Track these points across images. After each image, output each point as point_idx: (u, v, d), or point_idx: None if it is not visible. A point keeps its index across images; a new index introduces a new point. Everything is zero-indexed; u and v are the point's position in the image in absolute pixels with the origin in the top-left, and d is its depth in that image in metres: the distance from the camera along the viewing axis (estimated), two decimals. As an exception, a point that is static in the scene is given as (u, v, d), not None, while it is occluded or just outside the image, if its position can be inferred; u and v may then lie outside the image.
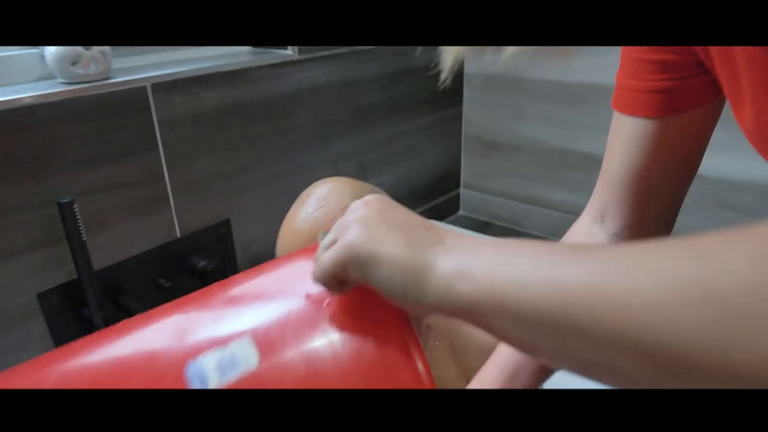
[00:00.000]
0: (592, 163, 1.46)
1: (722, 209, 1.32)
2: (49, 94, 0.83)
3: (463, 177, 1.73)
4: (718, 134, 1.15)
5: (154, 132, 0.97)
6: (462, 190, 1.75)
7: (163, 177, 1.00)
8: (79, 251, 0.85)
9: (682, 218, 1.36)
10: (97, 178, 0.91)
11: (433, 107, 1.57)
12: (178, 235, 1.05)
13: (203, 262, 1.06)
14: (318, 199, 0.70)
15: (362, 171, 1.40)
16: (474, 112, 1.64)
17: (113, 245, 0.96)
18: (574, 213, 1.53)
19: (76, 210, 0.83)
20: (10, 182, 0.82)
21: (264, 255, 1.23)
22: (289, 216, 0.73)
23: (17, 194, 0.83)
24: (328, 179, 0.74)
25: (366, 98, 1.36)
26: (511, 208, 1.66)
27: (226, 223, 1.13)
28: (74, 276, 0.92)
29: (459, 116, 1.67)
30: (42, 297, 0.89)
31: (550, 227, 1.60)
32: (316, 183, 0.74)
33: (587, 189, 1.55)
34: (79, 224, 0.84)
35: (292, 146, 1.21)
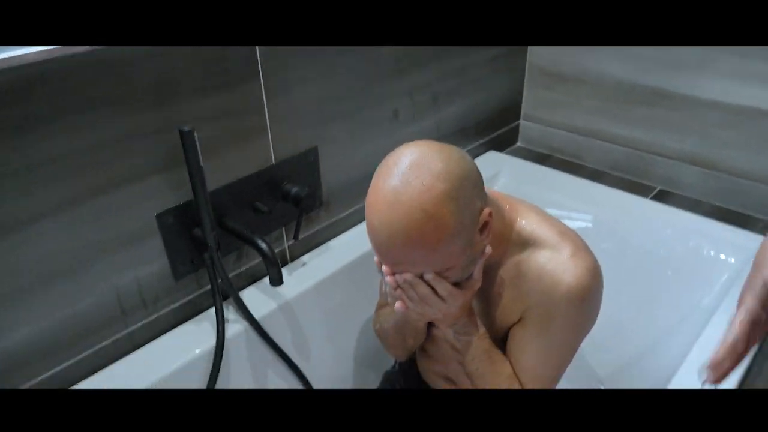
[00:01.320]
0: (658, 98, 1.46)
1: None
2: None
3: (524, 108, 1.74)
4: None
5: (257, 62, 1.00)
6: (522, 122, 1.76)
7: (263, 106, 1.04)
8: (197, 175, 0.91)
9: (742, 155, 1.36)
10: (205, 107, 0.96)
11: (502, 38, 1.56)
12: (273, 162, 1.10)
13: (296, 188, 1.12)
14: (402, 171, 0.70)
15: (434, 101, 1.42)
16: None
17: (217, 171, 1.01)
18: (636, 148, 1.55)
19: (196, 138, 0.88)
20: (130, 113, 0.87)
21: (347, 182, 1.28)
22: (374, 186, 0.72)
23: (138, 123, 0.89)
24: (410, 145, 0.73)
25: (441, 29, 1.36)
26: (570, 141, 1.67)
27: (314, 150, 1.17)
28: (186, 198, 0.99)
29: (524, 48, 1.65)
30: (160, 217, 0.96)
31: (609, 161, 1.62)
32: (399, 149, 0.73)
33: (651, 124, 1.56)
34: (198, 151, 0.89)
35: (373, 78, 1.24)
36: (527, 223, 0.85)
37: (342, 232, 1.33)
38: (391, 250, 0.71)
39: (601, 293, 0.84)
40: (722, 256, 1.29)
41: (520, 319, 0.88)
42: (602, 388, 1.39)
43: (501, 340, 0.92)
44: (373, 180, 0.73)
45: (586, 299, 0.81)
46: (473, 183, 0.73)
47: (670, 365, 1.01)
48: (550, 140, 1.72)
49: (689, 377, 0.94)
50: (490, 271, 0.87)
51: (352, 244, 1.29)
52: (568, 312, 0.81)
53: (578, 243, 0.84)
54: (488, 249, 0.79)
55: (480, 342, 0.88)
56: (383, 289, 1.03)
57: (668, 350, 1.25)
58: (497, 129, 1.70)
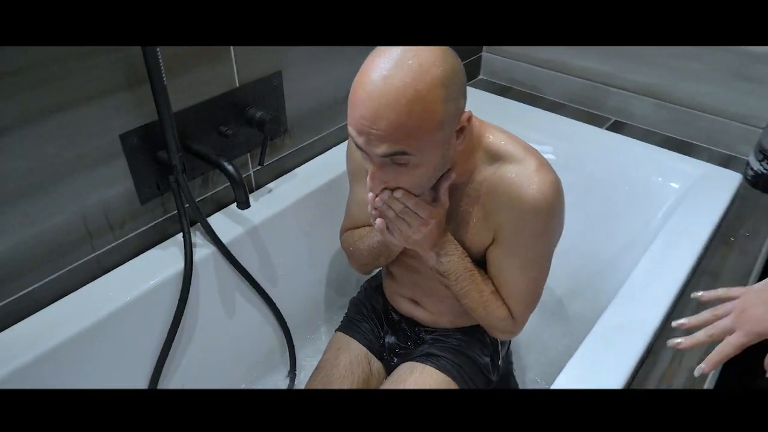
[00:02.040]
0: (617, 30, 1.49)
1: (740, 79, 1.38)
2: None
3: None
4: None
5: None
6: (484, 53, 1.77)
7: (226, 27, 1.02)
8: (161, 94, 0.90)
9: (695, 86, 1.41)
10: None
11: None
12: (237, 85, 1.09)
13: (260, 112, 1.11)
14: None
15: (397, 30, 1.41)
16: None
17: (181, 92, 1.00)
18: (593, 80, 1.58)
19: (158, 53, 0.86)
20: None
21: (311, 109, 1.28)
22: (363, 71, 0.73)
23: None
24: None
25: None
26: (531, 73, 1.70)
27: (278, 75, 1.16)
28: (150, 120, 0.97)
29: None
30: (123, 138, 0.95)
31: (568, 93, 1.66)
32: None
33: (608, 56, 1.58)
34: (162, 69, 0.88)
35: None
36: (494, 140, 0.88)
37: (307, 160, 1.33)
38: (375, 123, 0.71)
39: (563, 205, 0.88)
40: (668, 183, 1.36)
41: (493, 240, 0.92)
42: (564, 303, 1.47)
43: (477, 263, 0.95)
44: (364, 64, 0.73)
45: (551, 210, 0.85)
46: (461, 81, 0.75)
47: (623, 278, 1.08)
48: (511, 72, 1.74)
49: (635, 290, 1.02)
50: (458, 190, 0.90)
51: (317, 172, 1.30)
52: (535, 223, 0.86)
53: (541, 159, 0.87)
54: (452, 174, 0.82)
55: (461, 261, 0.91)
56: (353, 210, 1.06)
57: (621, 267, 1.32)
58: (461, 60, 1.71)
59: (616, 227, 1.39)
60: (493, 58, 1.76)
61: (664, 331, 0.99)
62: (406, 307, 1.14)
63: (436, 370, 1.04)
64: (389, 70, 0.70)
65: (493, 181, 0.87)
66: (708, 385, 0.92)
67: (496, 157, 0.87)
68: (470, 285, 0.93)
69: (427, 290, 1.08)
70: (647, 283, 1.03)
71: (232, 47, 1.05)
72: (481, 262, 0.96)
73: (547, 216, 0.85)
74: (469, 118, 0.78)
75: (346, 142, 1.38)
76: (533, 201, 0.84)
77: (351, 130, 0.75)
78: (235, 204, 1.17)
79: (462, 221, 0.93)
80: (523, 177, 0.84)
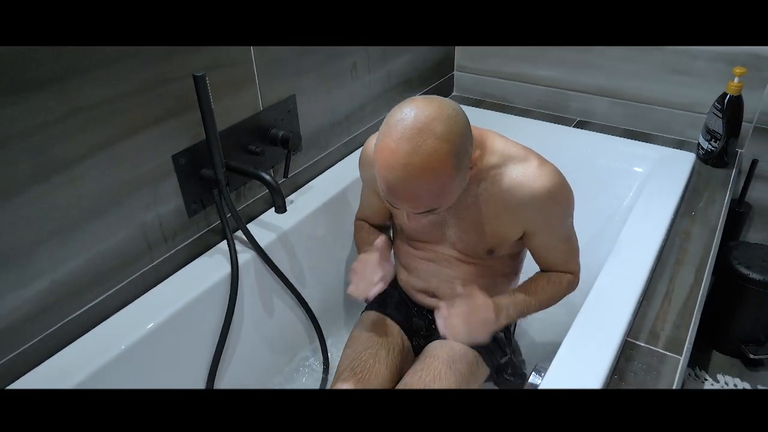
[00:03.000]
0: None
1: (678, 74, 1.60)
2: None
3: (457, 60, 1.94)
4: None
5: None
6: (456, 73, 1.96)
7: (251, 58, 1.17)
8: (209, 115, 1.03)
9: (643, 84, 1.62)
10: (204, 58, 1.07)
11: None
12: (261, 108, 1.23)
13: (282, 131, 1.25)
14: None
15: (385, 55, 1.58)
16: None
17: (218, 116, 1.13)
18: (555, 87, 1.79)
19: (207, 82, 1.00)
20: (146, 64, 0.98)
21: (320, 127, 1.42)
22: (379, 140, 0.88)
23: (153, 73, 0.99)
24: (410, 104, 0.85)
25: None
26: (500, 86, 1.89)
27: (293, 98, 1.31)
28: (194, 141, 1.10)
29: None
30: (175, 158, 1.08)
31: (534, 100, 1.85)
32: (401, 109, 0.85)
33: (567, 65, 1.79)
34: (209, 93, 1.01)
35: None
36: (495, 145, 1.02)
37: (320, 173, 1.47)
38: (406, 200, 0.88)
39: (567, 181, 1.04)
40: (633, 168, 1.55)
41: (524, 234, 1.08)
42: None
43: (487, 250, 1.10)
44: (381, 138, 0.86)
45: (562, 191, 1.02)
46: (467, 135, 0.89)
47: (602, 257, 1.24)
48: (482, 87, 1.93)
49: (618, 262, 1.17)
50: (471, 192, 1.03)
51: (329, 184, 1.44)
52: (557, 206, 1.02)
53: (537, 154, 1.03)
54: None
55: (513, 302, 1.08)
56: (364, 206, 1.25)
57: (601, 243, 1.49)
58: (436, 80, 1.89)
59: (593, 210, 1.56)
60: (464, 76, 1.95)
61: (649, 286, 1.16)
62: (422, 300, 1.23)
63: (464, 345, 1.14)
64: (405, 156, 0.83)
65: (506, 182, 1.01)
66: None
67: (500, 160, 1.01)
68: (534, 304, 1.10)
69: (442, 280, 1.17)
70: (630, 251, 1.19)
71: (256, 75, 1.19)
72: (504, 246, 1.10)
73: (563, 197, 1.02)
74: (478, 155, 0.94)
75: (352, 155, 1.54)
76: (550, 191, 0.99)
77: (386, 198, 0.91)
78: (264, 214, 1.31)
79: (480, 221, 1.06)
80: (530, 175, 0.99)
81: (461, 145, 0.87)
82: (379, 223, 1.27)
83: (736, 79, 1.42)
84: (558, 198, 1.01)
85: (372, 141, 1.12)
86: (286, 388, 1.39)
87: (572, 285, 1.16)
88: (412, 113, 0.84)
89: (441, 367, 1.09)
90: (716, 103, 1.47)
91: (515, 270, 1.21)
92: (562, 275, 1.14)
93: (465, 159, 0.89)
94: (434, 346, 1.16)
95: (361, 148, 1.18)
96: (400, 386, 1.10)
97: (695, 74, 1.56)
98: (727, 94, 1.44)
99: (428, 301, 1.22)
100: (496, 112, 1.81)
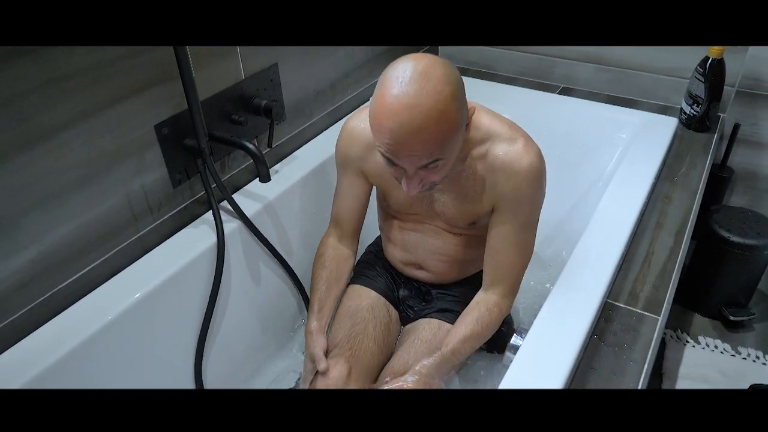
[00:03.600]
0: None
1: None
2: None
3: (442, 28, 1.93)
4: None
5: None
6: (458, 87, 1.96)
7: (233, 26, 1.16)
8: (190, 86, 1.03)
9: (626, 49, 1.59)
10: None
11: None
12: (243, 77, 1.23)
13: (265, 101, 1.25)
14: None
15: (368, 22, 1.57)
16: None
17: (198, 86, 1.12)
18: (539, 54, 1.78)
19: (188, 52, 1.00)
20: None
21: (303, 97, 1.42)
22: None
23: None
24: (407, 58, 0.84)
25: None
26: (484, 54, 1.89)
27: (275, 67, 1.30)
28: (177, 111, 1.10)
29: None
30: (157, 128, 1.08)
31: (518, 68, 1.85)
32: (399, 63, 0.84)
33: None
34: (191, 63, 1.01)
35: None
36: (483, 121, 1.03)
37: (303, 143, 1.47)
38: (410, 147, 0.85)
39: (545, 172, 1.04)
40: (616, 133, 1.57)
41: (493, 210, 1.07)
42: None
43: (470, 222, 1.11)
44: (380, 90, 0.85)
45: (541, 177, 1.02)
46: (462, 85, 0.89)
47: (587, 218, 1.26)
48: (466, 55, 1.93)
49: (599, 226, 1.18)
50: (457, 169, 1.03)
51: (314, 154, 1.44)
52: (529, 190, 1.02)
53: (525, 134, 1.03)
54: None
55: (437, 366, 1.07)
56: (339, 203, 1.20)
57: (584, 208, 1.52)
58: (419, 49, 1.88)
59: (577, 176, 1.59)
60: (448, 47, 1.95)
61: (629, 249, 1.18)
62: (409, 272, 1.25)
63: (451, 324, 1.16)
64: (410, 98, 0.81)
65: (489, 160, 1.01)
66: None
67: (486, 137, 1.02)
68: (458, 357, 1.09)
69: (428, 251, 1.19)
70: (610, 215, 1.21)
71: (238, 46, 1.18)
72: (484, 219, 1.10)
73: (537, 183, 1.02)
74: (473, 110, 0.93)
75: (337, 125, 1.54)
76: (527, 172, 1.00)
77: (383, 151, 0.88)
78: (249, 184, 1.32)
79: (463, 194, 1.07)
80: (515, 153, 1.00)
81: (461, 91, 0.87)
82: (355, 225, 1.21)
83: (717, 43, 1.43)
84: (534, 182, 1.02)
85: (352, 121, 1.12)
86: (276, 388, 1.41)
87: (505, 310, 1.12)
88: (410, 63, 0.84)
89: (424, 349, 1.13)
90: (698, 67, 1.48)
91: None
92: (492, 304, 1.10)
93: (464, 109, 0.89)
94: (422, 329, 1.19)
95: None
96: (387, 369, 1.14)
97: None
98: (709, 57, 1.45)
99: (415, 272, 1.25)
100: (481, 80, 1.81)
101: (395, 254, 1.26)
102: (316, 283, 1.18)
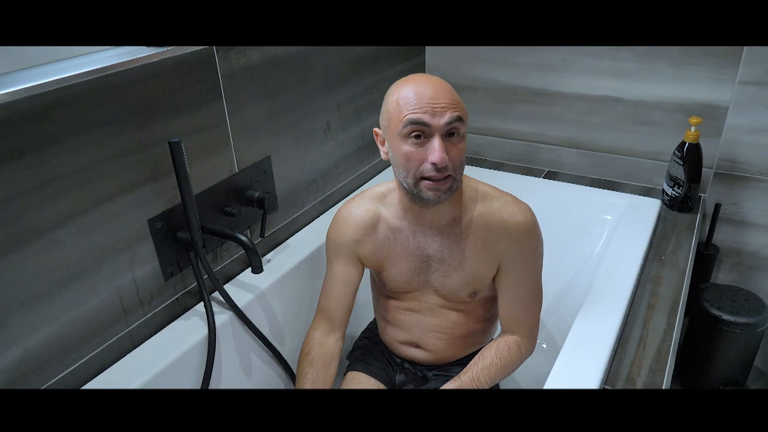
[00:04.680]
0: (537, 96, 1.77)
1: (639, 125, 1.66)
2: (140, 57, 1.00)
3: (429, 117, 1.99)
4: (633, 66, 1.52)
5: (219, 85, 1.16)
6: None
7: (226, 122, 1.20)
8: (184, 180, 1.05)
9: (607, 135, 1.66)
10: (179, 125, 1.10)
11: (406, 56, 1.81)
12: (236, 170, 1.25)
13: (258, 192, 1.28)
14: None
15: (357, 114, 1.63)
16: (436, 59, 1.90)
17: (192, 180, 1.15)
18: (525, 140, 1.84)
19: (183, 148, 1.02)
20: (122, 132, 1.00)
21: (294, 187, 1.45)
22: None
23: (129, 140, 1.02)
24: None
25: (356, 52, 1.58)
26: (471, 140, 1.95)
27: (268, 159, 1.33)
28: (170, 205, 1.11)
29: (423, 64, 1.92)
30: (151, 222, 1.09)
31: (505, 153, 1.91)
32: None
33: (535, 118, 1.85)
34: (185, 159, 1.03)
35: (309, 95, 1.43)
36: (471, 183, 1.11)
37: (295, 232, 1.49)
38: (439, 98, 0.95)
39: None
40: (602, 215, 1.60)
41: (498, 270, 1.11)
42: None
43: (471, 292, 1.12)
44: (393, 89, 1.00)
45: (537, 228, 1.10)
46: None
47: (576, 305, 1.26)
48: (453, 142, 1.99)
49: (591, 309, 1.18)
50: (453, 231, 1.08)
51: (305, 242, 1.45)
52: (531, 242, 1.08)
53: (511, 195, 1.11)
54: None
55: (464, 385, 1.10)
56: (330, 291, 1.20)
57: (575, 291, 1.52)
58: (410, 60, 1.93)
59: (566, 258, 1.60)
60: (436, 131, 2.01)
61: (623, 332, 1.17)
62: (405, 352, 1.24)
63: None
64: (424, 76, 0.99)
65: (485, 219, 1.07)
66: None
67: (476, 198, 1.09)
68: (484, 379, 1.11)
69: (426, 329, 1.19)
70: (603, 297, 1.21)
71: (231, 138, 1.22)
72: (485, 288, 1.13)
73: (535, 233, 1.09)
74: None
75: (328, 213, 1.56)
76: (524, 225, 1.07)
77: (414, 114, 0.95)
78: (241, 274, 1.32)
79: (464, 258, 1.10)
80: (508, 210, 1.07)
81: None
82: (343, 318, 1.19)
83: (692, 128, 1.48)
84: (532, 234, 1.08)
85: (346, 208, 1.17)
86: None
87: (526, 350, 1.15)
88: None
89: None
90: (676, 151, 1.53)
91: (495, 314, 1.23)
92: (511, 341, 1.13)
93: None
94: None
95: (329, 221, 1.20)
96: None
97: (655, 124, 1.63)
98: (686, 142, 1.50)
99: (412, 352, 1.24)
100: (471, 166, 1.86)
101: (391, 334, 1.25)
102: (303, 383, 1.15)
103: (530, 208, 1.10)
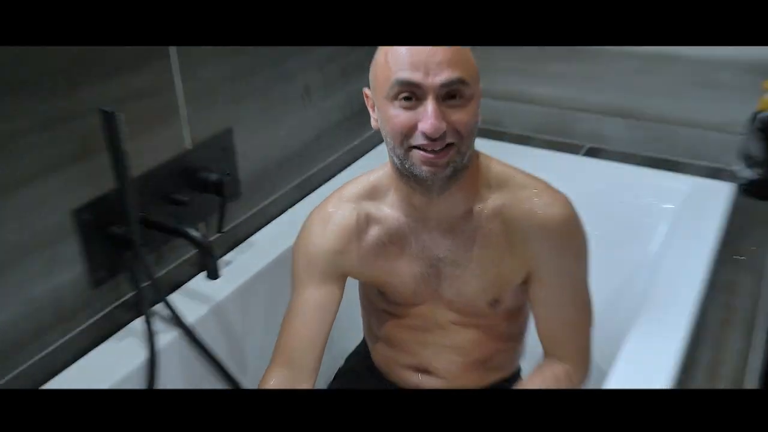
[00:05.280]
0: (573, 51, 1.73)
1: (704, 88, 1.63)
2: None
3: (435, 78, 1.95)
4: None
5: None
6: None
7: (174, 84, 1.17)
8: (121, 162, 1.02)
9: (663, 101, 1.62)
10: (117, 88, 1.07)
11: None
12: (188, 147, 1.23)
13: (215, 175, 1.25)
14: None
15: (344, 74, 1.60)
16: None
17: (133, 158, 1.10)
18: (558, 106, 1.80)
19: (120, 120, 0.99)
20: (36, 99, 0.97)
21: (263, 168, 1.42)
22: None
23: (48, 108, 0.98)
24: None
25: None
26: (488, 107, 1.90)
27: (229, 132, 1.30)
28: (101, 192, 1.08)
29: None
30: (77, 213, 1.06)
31: (532, 124, 1.87)
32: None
33: (570, 80, 1.80)
34: (122, 134, 1.00)
35: (283, 50, 1.40)
36: (492, 165, 1.07)
37: (263, 225, 1.46)
38: (434, 52, 0.91)
39: (580, 216, 1.08)
40: (660, 204, 1.57)
41: (529, 279, 1.08)
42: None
43: (491, 300, 1.10)
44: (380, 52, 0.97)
45: (576, 225, 1.06)
46: None
47: (627, 321, 1.23)
48: (466, 110, 1.95)
49: (644, 333, 1.15)
50: (468, 226, 1.05)
51: (278, 238, 1.42)
52: (570, 242, 1.05)
53: (544, 181, 1.07)
54: None
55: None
56: (298, 323, 1.13)
57: (625, 303, 1.49)
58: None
59: (612, 261, 1.56)
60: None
61: (688, 356, 1.14)
62: (409, 379, 1.21)
63: None
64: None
65: (509, 212, 1.04)
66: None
67: (499, 185, 1.05)
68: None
69: (436, 350, 1.17)
70: (661, 311, 1.19)
71: (181, 106, 1.18)
72: (509, 294, 1.10)
73: (576, 230, 1.06)
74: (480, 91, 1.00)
75: (306, 200, 1.53)
76: (561, 220, 1.03)
77: (404, 73, 0.92)
78: (192, 281, 1.30)
79: (481, 261, 1.06)
80: (540, 200, 1.04)
81: None
82: (313, 362, 1.11)
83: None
84: (573, 231, 1.06)
85: (324, 208, 1.13)
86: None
87: (578, 380, 1.13)
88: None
89: None
90: (752, 122, 1.50)
91: (521, 329, 1.22)
92: (560, 372, 1.11)
93: (478, 70, 0.98)
94: None
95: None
96: None
97: (723, 87, 1.60)
98: (760, 111, 1.48)
99: (418, 379, 1.21)
100: (488, 140, 1.82)
101: (392, 357, 1.22)
102: None
103: (568, 199, 1.06)
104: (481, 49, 1.77)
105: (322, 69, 1.52)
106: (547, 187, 1.07)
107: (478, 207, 1.05)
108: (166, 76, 1.15)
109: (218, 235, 1.32)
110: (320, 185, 1.60)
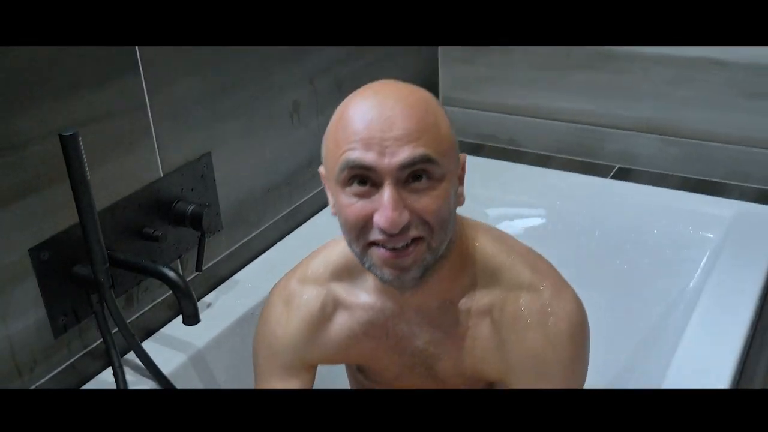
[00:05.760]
0: (600, 59, 1.77)
1: (750, 99, 1.66)
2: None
3: (442, 90, 2.00)
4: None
5: (135, 51, 1.17)
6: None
7: (145, 103, 1.21)
8: (84, 192, 1.05)
9: (703, 115, 1.64)
10: (78, 108, 1.10)
11: None
12: (161, 174, 1.26)
13: (192, 206, 1.28)
14: None
15: (339, 88, 1.63)
16: (451, 8, 1.91)
17: (98, 188, 1.14)
18: (584, 122, 1.84)
19: (80, 143, 1.02)
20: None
21: (246, 197, 1.46)
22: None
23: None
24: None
25: None
26: (504, 124, 1.95)
27: (208, 157, 1.34)
28: (62, 227, 1.11)
29: (433, 14, 1.93)
30: (34, 252, 1.08)
31: (554, 142, 1.91)
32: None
33: (597, 92, 1.84)
34: (84, 160, 1.03)
35: (268, 63, 1.44)
36: (480, 247, 1.02)
37: (247, 262, 1.49)
38: (391, 125, 0.84)
39: (586, 314, 1.03)
40: (700, 233, 1.60)
41: (498, 382, 1.05)
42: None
43: (487, 384, 1.08)
44: (339, 109, 0.91)
45: (582, 336, 1.01)
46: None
47: (662, 366, 1.25)
48: (478, 126, 1.99)
49: (683, 377, 1.16)
50: (448, 312, 1.02)
51: (262, 277, 1.45)
52: (574, 367, 1.01)
53: (553, 274, 1.03)
54: None
55: None
56: None
57: (656, 351, 1.51)
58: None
59: (648, 295, 1.59)
60: (453, 112, 2.00)
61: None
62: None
63: None
64: (389, 89, 0.90)
65: (501, 317, 1.00)
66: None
67: (490, 276, 1.01)
68: None
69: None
70: (703, 354, 1.20)
71: (153, 127, 1.22)
72: (490, 383, 1.08)
73: (582, 350, 1.02)
74: (464, 162, 0.96)
75: (296, 233, 1.56)
76: (567, 340, 0.99)
77: (352, 152, 0.85)
78: (167, 326, 1.33)
79: (468, 347, 1.04)
80: (538, 308, 0.99)
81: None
82: None
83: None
84: (577, 355, 1.02)
85: (289, 283, 1.12)
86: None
87: None
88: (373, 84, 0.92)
89: None
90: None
91: None
92: None
93: (454, 136, 0.92)
94: None
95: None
96: None
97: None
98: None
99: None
100: (501, 161, 1.87)
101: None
102: None
103: (578, 300, 1.01)
104: (494, 57, 1.82)
105: (312, 82, 1.55)
106: (556, 290, 1.01)
107: (463, 302, 1.02)
108: (135, 94, 1.18)
109: (196, 273, 1.35)
110: (311, 216, 1.64)
